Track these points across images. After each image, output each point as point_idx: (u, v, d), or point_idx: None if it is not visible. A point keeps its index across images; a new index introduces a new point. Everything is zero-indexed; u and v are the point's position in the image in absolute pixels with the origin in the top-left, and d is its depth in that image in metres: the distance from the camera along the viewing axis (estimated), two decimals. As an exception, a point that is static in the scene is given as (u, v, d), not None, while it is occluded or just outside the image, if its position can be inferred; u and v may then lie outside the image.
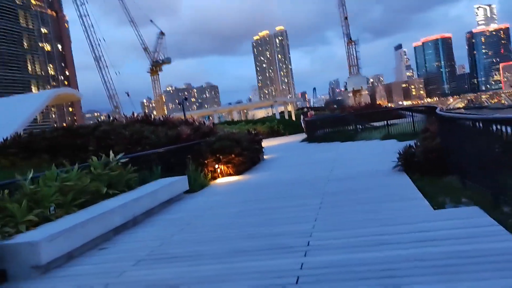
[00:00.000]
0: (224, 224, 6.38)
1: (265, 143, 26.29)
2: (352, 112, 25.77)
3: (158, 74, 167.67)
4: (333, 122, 22.42)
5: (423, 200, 6.12)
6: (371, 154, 12.91)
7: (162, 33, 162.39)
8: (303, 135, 25.68)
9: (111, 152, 8.52)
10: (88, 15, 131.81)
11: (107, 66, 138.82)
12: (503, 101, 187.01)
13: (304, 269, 4.00)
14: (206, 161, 11.60)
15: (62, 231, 5.38)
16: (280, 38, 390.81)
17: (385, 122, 19.69)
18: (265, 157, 16.14)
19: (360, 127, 20.60)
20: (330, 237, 4.95)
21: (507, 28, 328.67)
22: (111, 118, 14.72)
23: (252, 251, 4.81)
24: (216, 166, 11.78)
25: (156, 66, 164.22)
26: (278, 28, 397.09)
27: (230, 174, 11.96)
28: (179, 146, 11.16)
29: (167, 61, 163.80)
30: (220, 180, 11.59)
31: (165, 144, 11.57)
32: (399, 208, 5.86)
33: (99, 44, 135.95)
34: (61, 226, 5.58)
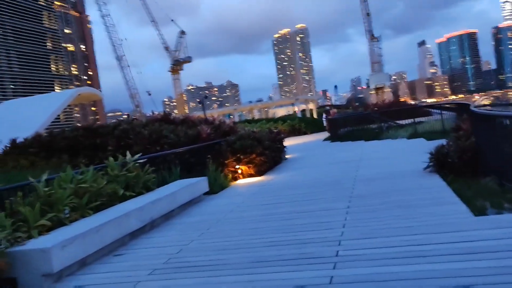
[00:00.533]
0: (246, 230, 6.02)
1: (287, 142, 25.83)
2: (376, 110, 25.09)
3: (179, 73, 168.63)
4: (357, 120, 21.80)
5: (461, 205, 5.63)
6: (399, 154, 12.36)
7: (183, 32, 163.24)
8: (326, 134, 25.14)
9: (128, 153, 8.25)
10: (110, 15, 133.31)
11: (128, 66, 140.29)
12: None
13: (334, 283, 3.60)
14: (226, 161, 11.26)
15: (75, 236, 5.10)
16: (301, 35, 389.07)
17: (411, 120, 19.01)
18: (287, 156, 15.73)
19: (385, 125, 19.96)
20: (361, 246, 4.53)
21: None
22: (131, 117, 14.53)
23: (276, 261, 4.43)
24: (237, 166, 11.44)
25: (177, 65, 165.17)
26: (298, 26, 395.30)
27: (251, 175, 11.60)
28: (198, 145, 10.86)
29: (188, 60, 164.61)
30: (241, 181, 11.24)
31: (184, 144, 11.29)
32: (435, 213, 5.39)
33: (120, 44, 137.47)
34: (74, 231, 5.31)
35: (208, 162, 10.43)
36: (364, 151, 14.36)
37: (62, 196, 6.12)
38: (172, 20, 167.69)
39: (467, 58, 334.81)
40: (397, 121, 20.48)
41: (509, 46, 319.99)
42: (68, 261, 4.92)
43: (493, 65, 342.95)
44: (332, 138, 21.57)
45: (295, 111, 57.39)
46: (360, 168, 10.32)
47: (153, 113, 15.24)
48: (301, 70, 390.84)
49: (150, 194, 7.83)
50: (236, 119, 54.68)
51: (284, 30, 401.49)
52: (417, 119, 19.13)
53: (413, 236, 4.58)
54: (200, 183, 9.15)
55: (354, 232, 5.11)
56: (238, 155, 11.52)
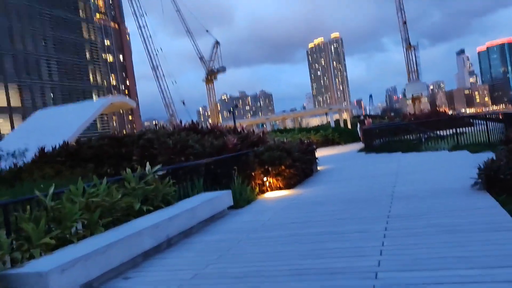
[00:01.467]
0: (269, 253, 5.35)
1: (319, 152, 25.00)
2: (415, 120, 23.91)
3: (213, 83, 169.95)
4: (393, 130, 20.73)
5: (522, 232, 4.78)
6: (440, 168, 11.38)
7: (217, 43, 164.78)
8: (360, 145, 24.13)
9: (147, 164, 7.77)
10: (147, 26, 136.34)
11: (163, 76, 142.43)
12: None
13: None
14: (253, 173, 10.65)
15: (78, 258, 4.58)
16: (335, 45, 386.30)
17: (453, 130, 17.81)
18: (318, 168, 14.97)
19: (424, 136, 18.83)
20: (402, 280, 3.78)
21: None
22: (158, 126, 14.18)
23: (300, 297, 3.75)
24: (265, 178, 10.80)
25: (211, 75, 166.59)
26: (333, 35, 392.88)
27: (279, 188, 10.93)
28: (224, 156, 10.29)
29: (222, 70, 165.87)
30: (269, 194, 10.58)
31: (210, 154, 10.76)
32: (492, 241, 4.56)
33: (156, 54, 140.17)
34: (79, 251, 4.80)
35: (234, 174, 9.85)
36: (401, 164, 13.42)
37: (71, 211, 5.65)
38: (207, 31, 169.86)
39: (509, 67, 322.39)
40: (437, 132, 19.32)
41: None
42: (68, 286, 4.41)
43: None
44: (367, 149, 20.58)
45: (328, 121, 56.23)
46: (398, 183, 9.46)
47: (180, 122, 14.82)
48: (335, 80, 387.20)
49: (169, 209, 7.29)
50: (268, 129, 54.11)
51: (319, 40, 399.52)
52: (458, 130, 17.96)
53: (467, 271, 3.80)
54: (224, 197, 8.56)
55: (393, 262, 4.36)
56: (266, 167, 10.89)
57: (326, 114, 67.34)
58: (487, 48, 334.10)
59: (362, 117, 66.03)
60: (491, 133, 15.17)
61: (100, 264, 4.88)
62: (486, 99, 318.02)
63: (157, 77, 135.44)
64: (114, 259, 5.14)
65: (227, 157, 10.25)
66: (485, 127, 15.67)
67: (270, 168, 10.82)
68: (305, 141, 13.93)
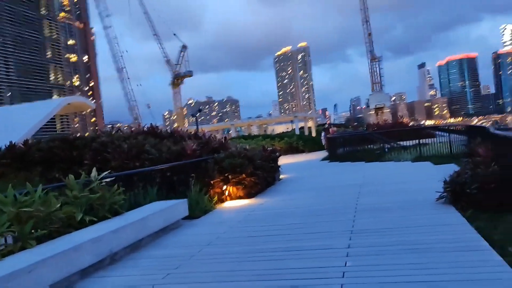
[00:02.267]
0: (221, 273, 4.82)
1: (283, 160, 24.63)
2: (378, 130, 24.02)
3: (179, 87, 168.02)
4: (357, 140, 20.67)
5: (491, 253, 4.46)
6: (404, 179, 11.18)
7: (184, 46, 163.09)
8: (324, 153, 23.97)
9: (93, 170, 7.08)
10: (112, 27, 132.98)
11: (128, 78, 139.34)
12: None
13: None
14: (212, 181, 10.10)
15: (-5, 281, 3.90)
16: (302, 54, 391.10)
17: (415, 141, 17.87)
18: (281, 176, 14.56)
19: (387, 146, 18.81)
20: (367, 309, 3.35)
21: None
22: (114, 128, 13.40)
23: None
24: (224, 187, 10.27)
25: (177, 79, 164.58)
26: (300, 44, 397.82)
27: (240, 197, 10.42)
28: (181, 163, 9.70)
29: (189, 74, 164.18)
30: (228, 204, 10.05)
31: (167, 160, 10.14)
32: (462, 264, 4.21)
33: (121, 56, 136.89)
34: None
35: (191, 182, 9.27)
36: (365, 174, 13.18)
37: (-3, 223, 4.94)
38: (174, 34, 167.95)
39: (467, 82, 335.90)
40: (400, 143, 19.37)
41: (508, 72, 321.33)
42: (-20, 315, 3.73)
43: (492, 90, 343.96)
44: (331, 158, 20.39)
45: (293, 128, 56.27)
46: (362, 195, 9.14)
47: (139, 125, 14.06)
48: (301, 88, 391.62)
49: (116, 219, 6.64)
50: (233, 135, 53.57)
51: (286, 48, 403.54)
52: (421, 141, 18.04)
53: (438, 299, 3.41)
54: (178, 207, 7.96)
55: (356, 286, 3.93)
56: (227, 175, 10.36)
57: (292, 121, 67.54)
58: (447, 62, 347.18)
59: (326, 126, 66.54)
60: (453, 145, 15.26)
61: (28, 285, 4.22)
62: (445, 111, 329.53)
63: (122, 79, 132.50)
64: (43, 279, 4.47)
65: (185, 164, 9.66)
66: (448, 139, 15.76)
67: (230, 176, 10.30)
68: (268, 149, 13.50)
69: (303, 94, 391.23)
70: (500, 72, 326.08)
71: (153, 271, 5.24)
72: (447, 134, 16.10)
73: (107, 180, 7.20)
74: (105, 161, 10.85)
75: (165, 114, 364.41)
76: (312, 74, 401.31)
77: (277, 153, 13.73)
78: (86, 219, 6.26)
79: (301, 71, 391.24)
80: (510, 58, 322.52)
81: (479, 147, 9.61)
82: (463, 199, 6.80)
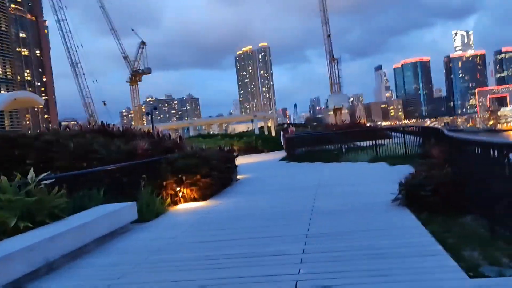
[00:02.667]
0: (167, 284, 4.48)
1: (241, 160, 24.37)
2: (336, 130, 24.21)
3: (138, 84, 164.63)
4: (316, 140, 20.72)
5: (446, 258, 4.37)
6: (361, 180, 11.16)
7: (143, 43, 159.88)
8: (283, 153, 23.89)
9: (31, 171, 6.52)
10: (66, 20, 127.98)
11: (83, 74, 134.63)
12: (478, 125, 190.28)
13: None
14: (165, 183, 9.67)
15: None
16: (263, 54, 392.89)
17: (372, 142, 18.07)
18: (239, 177, 14.29)
19: (345, 146, 18.94)
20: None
21: (483, 55, 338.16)
22: (61, 126, 12.66)
23: None
24: (178, 188, 9.86)
25: (135, 76, 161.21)
26: (261, 44, 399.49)
27: (194, 199, 10.05)
28: (132, 163, 9.22)
29: (148, 71, 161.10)
30: (182, 206, 9.66)
31: (116, 161, 9.61)
32: (418, 270, 4.07)
33: (76, 51, 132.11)
34: None
35: (141, 184, 8.81)
36: (322, 175, 13.12)
37: None
38: (132, 30, 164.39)
39: (421, 84, 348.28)
40: (357, 143, 19.55)
41: (459, 76, 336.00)
42: None
43: (444, 92, 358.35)
44: (289, 158, 20.32)
45: (253, 128, 56.15)
46: (318, 197, 8.99)
47: (89, 123, 13.35)
48: (262, 88, 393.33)
49: (55, 225, 6.13)
50: (192, 134, 52.84)
51: (247, 48, 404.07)
52: (377, 142, 18.28)
53: (393, 311, 3.22)
54: (127, 210, 7.51)
55: (310, 297, 3.70)
56: (180, 176, 9.96)
57: (252, 121, 67.47)
58: (402, 65, 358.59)
59: (285, 125, 66.75)
60: (408, 146, 15.51)
61: None
62: (400, 113, 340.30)
63: (76, 74, 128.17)
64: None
65: (135, 164, 9.19)
66: (403, 140, 16.01)
67: (184, 177, 9.91)
68: (226, 148, 13.18)
69: (264, 93, 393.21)
70: (452, 76, 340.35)
71: (93, 281, 4.82)
72: (402, 135, 16.36)
73: (47, 182, 6.66)
74: (50, 161, 10.17)
75: (123, 111, 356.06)
76: (273, 74, 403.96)
77: (235, 153, 13.44)
78: (20, 225, 5.73)
79: (262, 71, 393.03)
80: (460, 62, 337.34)
81: (433, 148, 9.71)
82: (418, 201, 6.75)
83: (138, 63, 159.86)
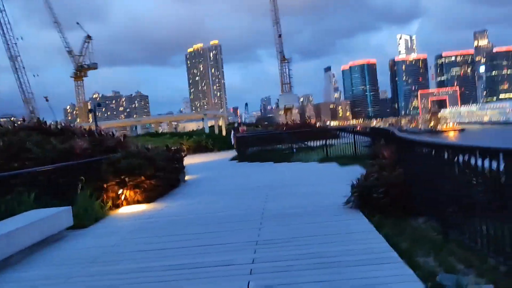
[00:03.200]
0: (99, 302, 3.98)
1: (190, 159, 23.73)
2: (287, 130, 24.16)
3: (83, 80, 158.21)
4: (267, 139, 20.52)
5: (402, 266, 4.16)
6: (312, 181, 10.99)
7: (89, 37, 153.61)
8: (233, 152, 23.47)
9: None
10: (5, 11, 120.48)
11: (23, 67, 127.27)
12: (419, 126, 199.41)
13: None
14: (106, 185, 9.01)
15: None
16: (214, 52, 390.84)
17: (322, 142, 18.06)
18: (187, 178, 13.76)
19: (295, 146, 18.85)
20: None
21: (425, 59, 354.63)
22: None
23: None
24: (120, 191, 9.23)
25: (81, 71, 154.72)
26: (212, 42, 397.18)
27: (138, 202, 9.46)
28: (68, 164, 8.50)
29: (93, 66, 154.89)
30: (124, 210, 9.05)
31: (52, 161, 8.84)
32: (373, 282, 3.83)
33: (15, 43, 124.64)
34: None
35: (79, 186, 8.13)
36: (273, 175, 12.87)
37: None
38: (77, 23, 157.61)
39: (367, 86, 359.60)
40: (307, 143, 19.53)
41: (403, 78, 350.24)
42: None
43: (389, 94, 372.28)
44: (240, 158, 19.96)
45: (204, 127, 55.20)
46: (269, 199, 8.69)
47: (23, 119, 12.36)
48: (213, 86, 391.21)
49: (-26, 235, 5.41)
50: (140, 132, 51.27)
51: (198, 45, 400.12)
52: (327, 142, 18.32)
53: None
54: (61, 215, 6.86)
55: (260, 315, 3.35)
56: (123, 177, 9.34)
57: (202, 119, 66.58)
58: (350, 67, 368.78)
59: (236, 124, 66.16)
60: (357, 146, 15.59)
61: None
62: (348, 113, 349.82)
63: (16, 68, 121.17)
64: None
65: (72, 165, 8.48)
66: (352, 140, 16.11)
67: (127, 179, 9.29)
68: (173, 148, 12.62)
69: (215, 92, 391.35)
70: (396, 78, 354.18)
71: (14, 301, 4.22)
72: (351, 135, 16.45)
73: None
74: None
75: (67, 108, 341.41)
76: (224, 73, 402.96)
77: (182, 153, 12.90)
78: None
79: (213, 69, 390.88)
80: (404, 65, 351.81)
81: (384, 149, 9.68)
82: (370, 204, 6.61)
83: (83, 57, 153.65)
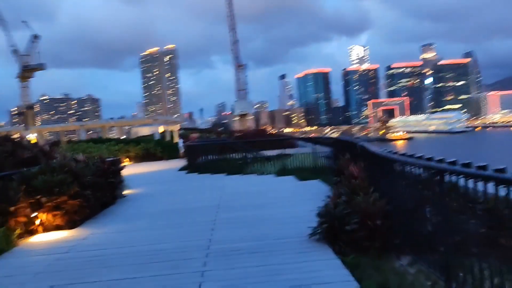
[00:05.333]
0: None
1: (135, 169, 21.82)
2: (241, 138, 22.80)
3: (29, 81, 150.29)
4: (219, 148, 19.01)
5: None
6: (269, 200, 9.52)
7: (36, 36, 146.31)
8: (184, 161, 21.72)
9: None
10: None
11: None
12: (370, 134, 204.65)
13: None
14: (14, 208, 7.22)
15: None
16: (169, 56, 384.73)
17: (278, 151, 16.83)
18: (126, 192, 12.06)
19: (250, 156, 17.46)
20: None
21: (376, 69, 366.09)
22: None
23: None
24: (35, 214, 7.47)
25: (26, 72, 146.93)
26: (167, 46, 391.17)
27: (58, 227, 7.72)
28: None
29: (41, 67, 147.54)
30: (39, 238, 7.31)
31: None
32: None
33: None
34: None
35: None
36: (225, 191, 11.36)
37: None
38: (23, 22, 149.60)
39: (321, 94, 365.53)
40: (263, 152, 18.22)
41: (354, 88, 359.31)
42: None
43: (341, 102, 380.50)
44: (190, 168, 18.30)
45: (154, 133, 52.55)
46: (218, 226, 7.21)
47: None
48: (167, 91, 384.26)
49: None
50: (83, 137, 48.18)
51: (153, 49, 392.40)
52: (283, 151, 17.09)
53: None
54: None
55: None
56: (39, 197, 7.58)
57: (156, 124, 63.86)
58: (304, 75, 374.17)
59: (182, 131, 62.61)
60: (317, 158, 14.41)
61: None
62: (302, 120, 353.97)
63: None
64: None
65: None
66: (311, 150, 14.94)
67: (44, 199, 7.55)
68: (108, 159, 10.88)
69: (170, 97, 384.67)
70: (348, 88, 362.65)
71: None
72: (311, 144, 15.30)
73: None
74: None
75: (12, 110, 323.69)
76: (179, 77, 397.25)
77: (120, 165, 11.18)
78: None
79: (168, 73, 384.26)
80: (356, 75, 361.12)
81: (350, 165, 8.50)
82: (342, 238, 5.32)
83: (29, 57, 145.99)
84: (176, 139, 46.64)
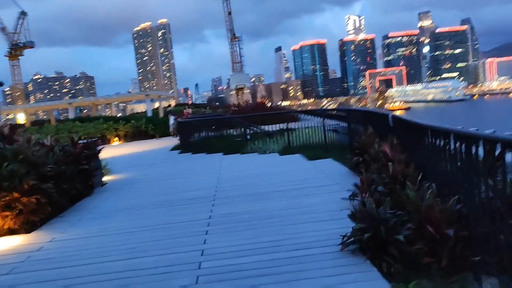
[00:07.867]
0: None
1: (124, 149, 20.11)
2: (239, 113, 21.05)
3: (19, 59, 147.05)
4: (215, 124, 17.27)
5: None
6: (276, 187, 7.66)
7: (23, 13, 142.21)
8: (176, 140, 19.99)
9: None
10: None
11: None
12: (368, 105, 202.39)
13: None
14: None
15: None
16: (163, 31, 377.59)
17: (280, 126, 15.07)
18: (108, 178, 10.43)
19: (250, 132, 15.74)
20: None
21: (373, 39, 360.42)
22: None
23: None
24: (-23, 217, 5.81)
25: (16, 50, 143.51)
26: (160, 21, 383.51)
27: (12, 231, 6.09)
28: None
29: (30, 45, 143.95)
30: (-17, 248, 5.67)
31: None
32: None
33: None
34: None
35: None
36: (222, 175, 9.65)
37: None
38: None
39: (317, 66, 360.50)
40: (263, 128, 16.52)
41: (351, 58, 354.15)
42: None
43: (338, 74, 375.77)
44: (182, 148, 16.59)
45: (146, 110, 50.28)
46: (212, 228, 5.53)
47: None
48: (162, 67, 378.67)
49: None
50: (72, 116, 46.14)
51: (145, 24, 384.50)
52: (285, 125, 15.38)
53: None
54: None
55: None
56: (-16, 195, 5.91)
57: (152, 100, 61.68)
58: (300, 47, 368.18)
59: (170, 107, 58.59)
60: (326, 132, 12.65)
61: None
62: (299, 93, 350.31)
63: None
64: None
65: None
66: (314, 123, 13.23)
67: (-9, 197, 5.88)
68: (81, 142, 9.14)
69: (164, 72, 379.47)
70: (345, 58, 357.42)
71: None
72: (317, 118, 13.60)
73: None
74: None
75: (6, 90, 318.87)
76: (173, 52, 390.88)
77: (97, 148, 9.44)
78: None
79: (162, 49, 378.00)
80: (353, 46, 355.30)
81: (376, 142, 6.84)
82: (391, 252, 3.68)
83: (18, 35, 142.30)
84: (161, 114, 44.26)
